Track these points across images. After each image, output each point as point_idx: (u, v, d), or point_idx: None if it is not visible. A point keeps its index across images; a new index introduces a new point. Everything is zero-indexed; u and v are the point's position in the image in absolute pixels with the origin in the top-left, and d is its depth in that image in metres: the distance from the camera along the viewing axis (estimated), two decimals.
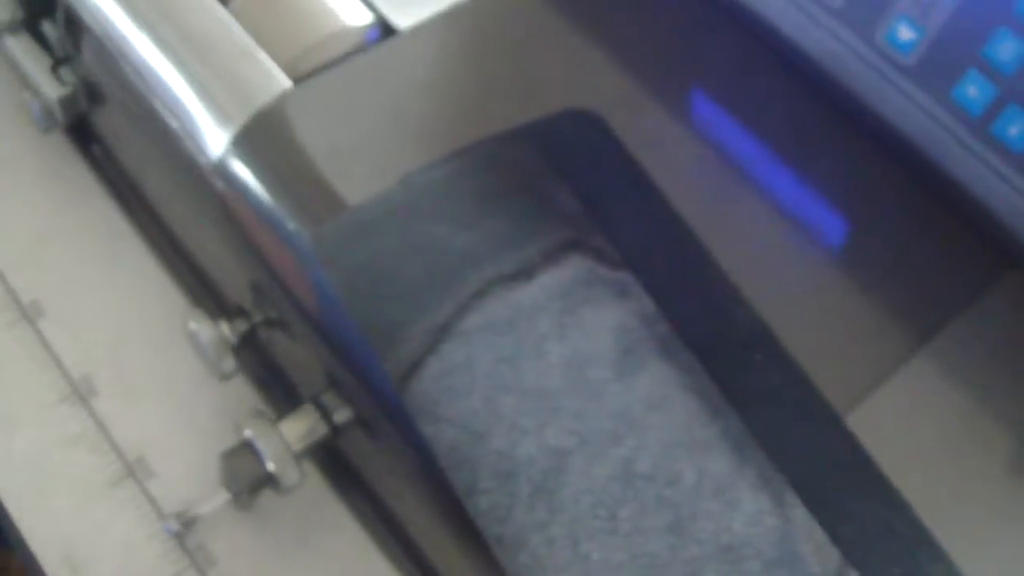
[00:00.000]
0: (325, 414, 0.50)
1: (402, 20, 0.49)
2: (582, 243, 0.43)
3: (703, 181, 0.49)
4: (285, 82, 0.47)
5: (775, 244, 0.47)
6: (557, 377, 0.41)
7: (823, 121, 0.50)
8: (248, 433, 0.49)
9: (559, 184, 0.45)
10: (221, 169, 0.47)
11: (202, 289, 0.59)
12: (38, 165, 0.66)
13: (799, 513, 0.39)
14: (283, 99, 0.47)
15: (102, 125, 0.62)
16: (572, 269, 0.43)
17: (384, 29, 0.50)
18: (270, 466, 0.49)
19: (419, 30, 0.49)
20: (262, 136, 0.47)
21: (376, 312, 0.42)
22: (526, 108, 0.48)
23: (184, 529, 0.52)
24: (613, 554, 0.39)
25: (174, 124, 0.49)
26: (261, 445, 0.49)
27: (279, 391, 0.56)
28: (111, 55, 0.52)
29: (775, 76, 0.51)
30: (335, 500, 0.56)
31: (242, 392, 0.57)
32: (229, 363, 0.52)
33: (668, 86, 0.51)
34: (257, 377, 0.57)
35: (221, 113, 0.47)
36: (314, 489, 0.55)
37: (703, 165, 0.49)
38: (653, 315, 0.43)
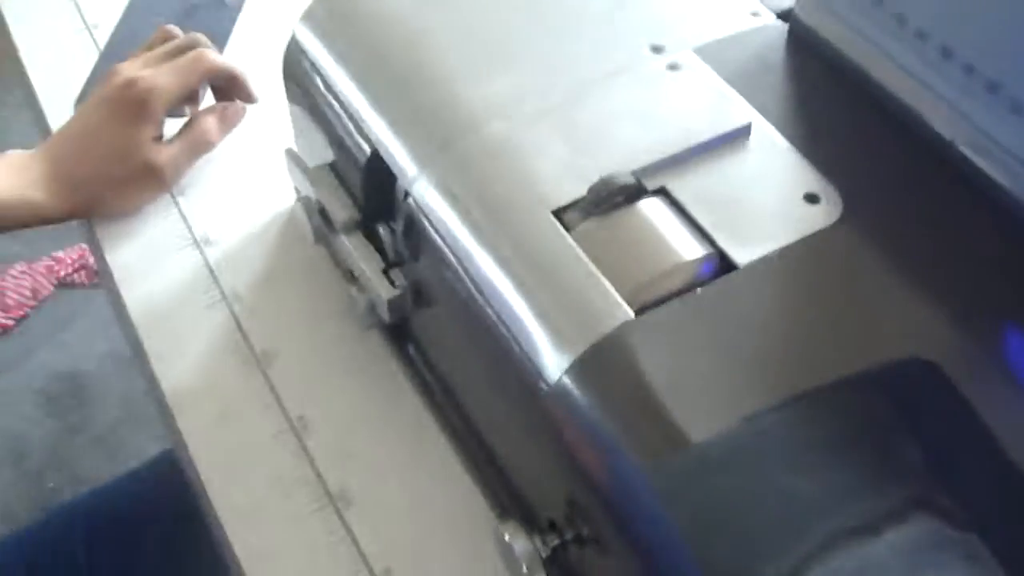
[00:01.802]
0: None
1: (740, 255, 0.50)
2: (930, 501, 0.43)
3: None
4: (628, 312, 0.48)
5: None
6: None
7: None
8: None
9: (904, 435, 0.45)
10: (558, 393, 0.48)
11: (507, 497, 0.60)
12: (355, 359, 0.69)
13: None
14: (625, 329, 0.48)
15: (421, 328, 0.65)
16: (920, 528, 0.42)
17: (721, 263, 0.51)
18: None
19: (757, 265, 0.50)
20: (602, 364, 0.48)
21: (715, 554, 0.42)
22: (862, 352, 0.48)
23: None
24: None
25: (510, 342, 0.51)
26: None
27: None
28: (451, 267, 0.54)
29: None
30: None
31: None
32: None
33: (997, 332, 0.50)
34: None
35: (561, 337, 0.49)
36: None
37: None
38: None
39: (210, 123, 0.78)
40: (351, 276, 0.65)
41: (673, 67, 0.59)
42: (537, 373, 0.49)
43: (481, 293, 0.53)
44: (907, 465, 0.44)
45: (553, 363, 0.49)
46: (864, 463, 0.44)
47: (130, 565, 0.78)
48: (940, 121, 0.55)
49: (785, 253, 0.51)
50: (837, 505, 0.42)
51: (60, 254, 1.88)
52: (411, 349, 0.67)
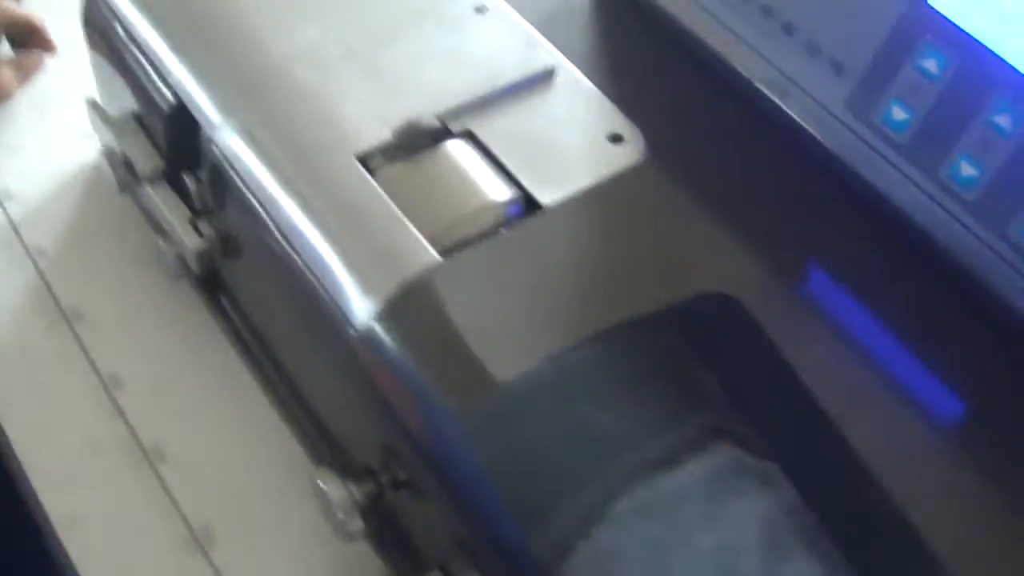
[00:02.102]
0: None
1: (545, 196, 0.51)
2: (728, 430, 0.44)
3: (834, 365, 0.49)
4: (433, 255, 0.48)
5: (907, 428, 0.48)
6: (705, 567, 0.41)
7: (941, 299, 0.51)
8: None
9: (703, 369, 0.46)
10: (366, 338, 0.48)
11: (323, 445, 0.60)
12: (166, 312, 0.68)
13: None
14: (431, 272, 0.48)
15: (232, 278, 0.64)
16: (718, 457, 0.43)
17: (527, 204, 0.51)
18: None
19: (562, 207, 0.50)
20: (409, 307, 0.48)
21: (523, 493, 0.43)
22: (664, 289, 0.49)
23: None
24: None
25: (317, 289, 0.50)
26: None
27: (401, 555, 0.56)
28: (257, 215, 0.54)
29: (894, 248, 0.52)
30: None
31: (361, 553, 0.57)
32: (356, 524, 0.52)
33: (796, 266, 0.52)
34: (378, 540, 0.57)
35: (368, 282, 0.49)
36: None
37: (832, 348, 0.50)
38: (797, 505, 0.43)
39: (6, 75, 0.75)
40: (159, 228, 0.64)
41: (479, 10, 0.59)
42: (345, 319, 0.49)
43: (287, 240, 0.52)
44: (707, 397, 0.45)
45: (360, 308, 0.48)
46: (665, 397, 0.45)
47: None
48: (739, 61, 0.57)
49: (589, 193, 0.51)
50: (639, 439, 0.43)
51: None
52: (223, 300, 0.66)
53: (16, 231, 0.72)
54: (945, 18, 0.48)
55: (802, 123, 0.55)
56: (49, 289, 0.69)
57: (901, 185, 0.51)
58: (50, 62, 0.79)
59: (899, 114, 0.51)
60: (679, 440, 0.43)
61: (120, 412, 0.64)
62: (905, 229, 0.52)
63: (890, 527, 0.44)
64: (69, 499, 0.62)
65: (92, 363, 0.66)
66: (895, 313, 0.50)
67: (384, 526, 0.56)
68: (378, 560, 0.57)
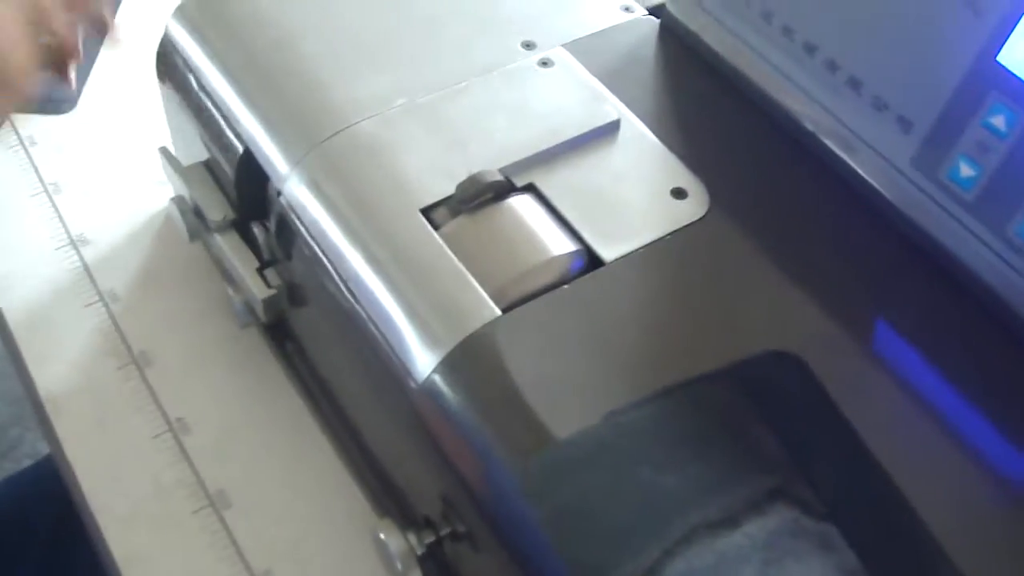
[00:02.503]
0: None
1: (607, 251, 0.51)
2: (787, 492, 0.44)
3: (898, 426, 0.48)
4: (494, 310, 0.48)
5: (981, 498, 0.47)
6: None
7: (1009, 360, 0.50)
8: None
9: (764, 428, 0.45)
10: (426, 391, 0.48)
11: (385, 494, 0.60)
12: (233, 358, 0.69)
13: None
14: (491, 326, 0.48)
15: (298, 326, 0.65)
16: (777, 519, 0.43)
17: (589, 259, 0.51)
18: None
19: (624, 262, 0.51)
20: (469, 361, 0.48)
21: (580, 551, 0.43)
22: (727, 344, 0.48)
23: None
24: None
25: (380, 341, 0.51)
26: None
27: None
28: (322, 266, 0.54)
29: (968, 312, 0.51)
30: None
31: None
32: (415, 575, 0.52)
33: (861, 324, 0.51)
34: None
35: (430, 335, 0.49)
36: None
37: (896, 408, 0.49)
38: (857, 570, 0.42)
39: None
40: (227, 275, 0.65)
41: (544, 63, 0.59)
42: (406, 371, 0.49)
43: (351, 292, 0.53)
44: (767, 457, 0.45)
45: (422, 361, 0.49)
46: (725, 456, 0.44)
47: (11, 572, 0.76)
48: (805, 115, 0.57)
49: (652, 248, 0.51)
50: (697, 499, 0.43)
51: None
52: (289, 347, 0.67)
53: (90, 275, 0.73)
54: (1013, 75, 0.47)
55: (868, 179, 0.54)
56: (120, 333, 0.71)
57: (968, 243, 0.51)
58: (127, 111, 0.81)
59: (966, 171, 0.50)
60: (738, 501, 0.43)
61: (186, 456, 0.65)
62: (972, 287, 0.51)
63: None
64: (133, 540, 0.62)
65: (160, 407, 0.67)
66: (962, 373, 0.50)
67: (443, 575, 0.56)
68: None
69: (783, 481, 0.44)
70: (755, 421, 0.46)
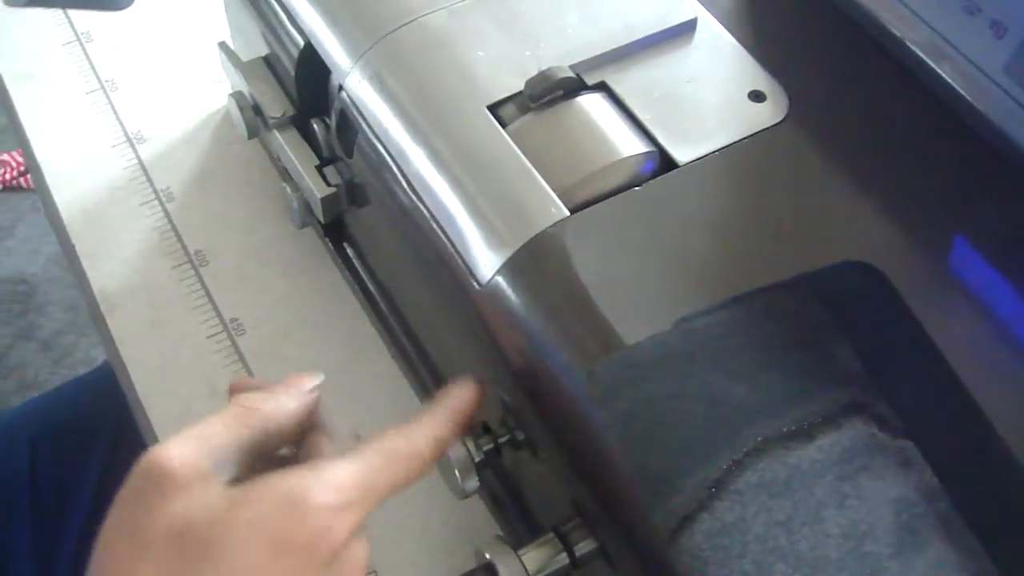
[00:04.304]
0: (567, 544, 0.49)
1: (681, 154, 0.49)
2: (864, 406, 0.42)
3: (980, 344, 0.46)
4: (563, 210, 0.47)
5: None
6: (833, 547, 0.39)
7: None
8: (489, 557, 0.48)
9: (841, 340, 0.43)
10: (491, 292, 0.47)
11: None
12: (289, 259, 0.68)
13: None
14: (560, 227, 0.46)
15: (357, 227, 0.63)
16: (853, 433, 0.41)
17: (661, 161, 0.49)
18: None
19: (698, 165, 0.49)
20: (536, 263, 0.46)
21: (648, 458, 0.41)
22: (803, 253, 0.46)
23: None
24: None
25: (443, 241, 0.49)
26: (503, 571, 0.48)
27: (515, 515, 0.55)
28: (384, 164, 0.53)
29: None
30: None
31: (475, 510, 0.56)
32: (473, 481, 0.51)
33: (943, 237, 0.49)
34: (493, 499, 0.56)
35: (495, 236, 0.47)
36: None
37: (978, 325, 0.47)
38: (935, 490, 0.41)
39: None
40: (285, 174, 0.63)
41: None
42: (470, 272, 0.48)
43: (414, 190, 0.51)
44: (843, 370, 0.43)
45: (486, 262, 0.47)
46: (799, 368, 0.43)
47: (73, 477, 0.76)
48: (890, 19, 0.54)
49: (727, 152, 0.49)
50: (770, 409, 0.41)
51: (5, 156, 1.83)
52: (347, 249, 0.66)
53: (146, 173, 0.72)
54: None
55: (956, 87, 0.52)
56: (176, 232, 0.70)
57: None
58: (185, 6, 0.79)
59: None
60: (813, 414, 0.41)
61: (240, 357, 0.64)
62: None
63: None
64: None
65: (215, 307, 0.66)
66: None
67: (499, 486, 0.55)
68: (492, 519, 0.56)
69: (860, 395, 0.42)
70: (832, 334, 0.44)
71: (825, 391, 0.42)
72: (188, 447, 0.42)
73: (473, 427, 0.52)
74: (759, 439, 0.41)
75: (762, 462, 0.40)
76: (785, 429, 0.41)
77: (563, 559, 0.49)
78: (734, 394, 0.42)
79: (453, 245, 0.49)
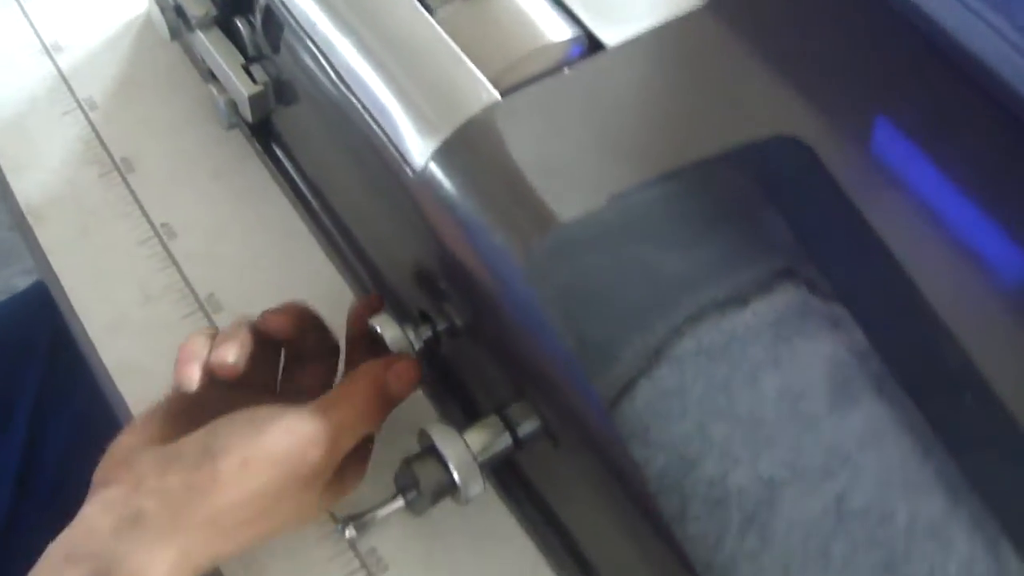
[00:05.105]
0: (509, 425, 0.50)
1: (608, 36, 0.49)
2: (796, 272, 0.43)
3: (904, 214, 0.48)
4: (493, 94, 0.47)
5: (978, 278, 0.46)
6: (770, 407, 0.40)
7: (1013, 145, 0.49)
8: (435, 440, 0.49)
9: (771, 211, 0.45)
10: (424, 179, 0.47)
11: (377, 290, 0.60)
12: (218, 161, 0.67)
13: (1014, 564, 0.39)
14: (491, 111, 0.47)
15: (285, 124, 0.63)
16: (786, 298, 0.42)
17: (589, 44, 0.50)
18: (455, 475, 0.49)
19: (626, 47, 0.49)
20: (468, 147, 0.47)
21: (586, 330, 0.42)
22: (732, 130, 0.47)
23: (359, 533, 0.52)
24: None
25: (375, 131, 0.50)
26: (447, 453, 0.49)
27: (453, 402, 0.56)
28: (312, 57, 0.52)
29: (965, 95, 0.50)
30: (505, 509, 0.56)
31: (415, 399, 0.57)
32: None
33: (862, 108, 0.50)
34: (433, 390, 0.57)
35: (427, 123, 0.47)
36: (484, 497, 0.55)
37: (902, 197, 0.48)
38: (866, 350, 0.42)
39: None
40: (210, 75, 0.63)
41: None
42: (403, 160, 0.48)
43: (344, 82, 0.51)
44: (774, 239, 0.44)
45: (419, 148, 0.47)
46: (732, 238, 0.44)
47: (9, 395, 0.75)
48: None
49: (655, 33, 0.50)
50: (705, 278, 0.42)
51: None
52: (276, 148, 0.65)
53: (67, 83, 0.71)
54: None
55: None
56: (100, 140, 0.69)
57: (982, 35, 0.49)
58: None
59: None
60: (745, 281, 0.42)
61: (174, 261, 0.64)
62: (985, 81, 0.50)
63: (960, 378, 0.43)
64: (124, 348, 0.62)
65: (145, 213, 0.66)
66: (967, 164, 0.49)
67: (438, 374, 0.55)
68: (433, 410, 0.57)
69: (791, 262, 0.43)
70: (762, 205, 0.45)
71: (757, 259, 0.43)
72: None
73: (407, 313, 0.52)
74: (695, 307, 0.42)
75: (699, 328, 0.41)
76: (720, 296, 0.42)
77: (506, 439, 0.50)
78: (669, 265, 0.43)
79: (385, 134, 0.49)
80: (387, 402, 0.51)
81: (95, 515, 0.47)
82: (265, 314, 0.53)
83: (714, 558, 0.39)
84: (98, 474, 0.49)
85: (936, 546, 0.39)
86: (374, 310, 0.53)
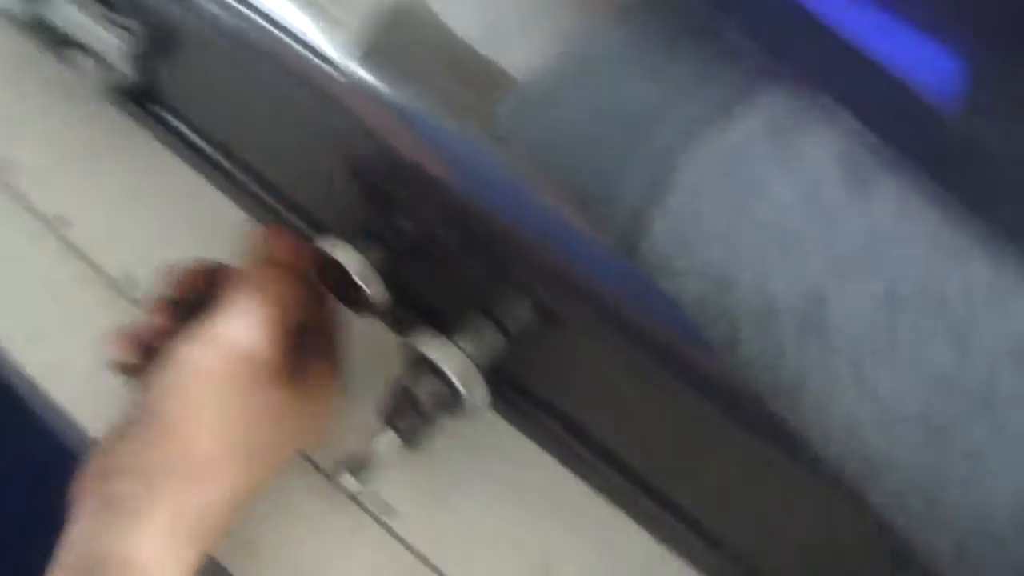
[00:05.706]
0: (496, 321, 0.47)
1: None
2: (776, 73, 0.41)
3: None
4: None
5: None
6: (792, 209, 0.38)
7: None
8: (423, 350, 0.46)
9: (731, 24, 0.42)
10: (357, 82, 0.43)
11: (310, 231, 0.56)
12: (98, 139, 0.62)
13: None
14: None
15: (171, 80, 0.58)
16: (773, 99, 0.40)
17: None
18: (456, 381, 0.46)
19: None
20: (402, 33, 0.43)
21: (581, 185, 0.39)
22: None
23: (358, 478, 0.48)
24: (900, 379, 0.36)
25: (284, 50, 0.46)
26: (441, 359, 0.46)
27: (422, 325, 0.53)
28: None
29: None
30: (507, 425, 0.53)
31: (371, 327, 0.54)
32: (380, 291, 0.48)
33: None
34: (396, 320, 0.54)
35: (350, 22, 0.44)
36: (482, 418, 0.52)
37: None
38: (866, 133, 0.40)
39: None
40: (72, 41, 0.57)
41: None
42: (333, 68, 0.44)
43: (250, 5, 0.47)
44: (742, 49, 0.42)
45: (346, 51, 0.44)
46: (703, 55, 0.41)
47: None
48: None
49: None
50: (687, 99, 0.40)
51: None
52: (163, 112, 0.60)
53: None
54: None
55: None
56: None
57: None
58: None
59: None
60: (730, 92, 0.40)
61: (76, 249, 0.59)
62: None
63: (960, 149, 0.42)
64: (49, 353, 0.57)
65: (33, 209, 0.60)
66: None
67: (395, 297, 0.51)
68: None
69: (767, 66, 0.41)
70: (722, 19, 0.43)
71: (735, 68, 0.41)
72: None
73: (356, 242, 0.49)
74: (684, 130, 0.39)
75: (695, 151, 0.39)
76: (707, 113, 0.40)
77: (497, 335, 0.47)
78: (646, 94, 0.40)
79: (304, 46, 0.45)
80: (278, 269, 0.50)
81: (75, 529, 0.45)
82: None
83: (779, 376, 0.37)
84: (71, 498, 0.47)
85: (997, 309, 0.37)
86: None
